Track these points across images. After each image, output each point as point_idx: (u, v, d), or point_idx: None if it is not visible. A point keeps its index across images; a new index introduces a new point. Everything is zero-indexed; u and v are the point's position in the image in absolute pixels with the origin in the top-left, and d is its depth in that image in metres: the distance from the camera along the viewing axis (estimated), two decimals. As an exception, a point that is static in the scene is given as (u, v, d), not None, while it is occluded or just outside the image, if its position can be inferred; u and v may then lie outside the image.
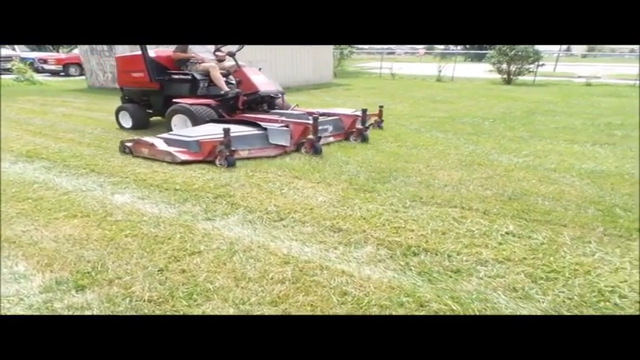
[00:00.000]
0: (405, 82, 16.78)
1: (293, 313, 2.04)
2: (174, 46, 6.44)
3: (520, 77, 16.55)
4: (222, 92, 5.96)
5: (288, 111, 6.20)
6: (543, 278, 2.31)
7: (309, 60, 15.55)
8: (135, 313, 2.04)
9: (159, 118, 6.71)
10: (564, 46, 38.32)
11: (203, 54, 6.32)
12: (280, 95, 6.52)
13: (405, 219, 3.08)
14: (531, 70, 16.61)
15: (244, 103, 6.17)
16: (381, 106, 6.74)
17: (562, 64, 26.22)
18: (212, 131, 4.77)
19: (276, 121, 5.33)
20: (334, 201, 3.46)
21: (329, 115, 6.03)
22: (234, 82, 6.39)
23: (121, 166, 4.53)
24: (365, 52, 31.87)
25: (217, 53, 6.54)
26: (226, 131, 4.28)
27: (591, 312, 2.02)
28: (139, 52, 6.15)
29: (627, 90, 13.54)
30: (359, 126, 5.72)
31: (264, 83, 6.21)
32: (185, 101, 5.65)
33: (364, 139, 5.69)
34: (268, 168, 4.39)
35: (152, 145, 4.68)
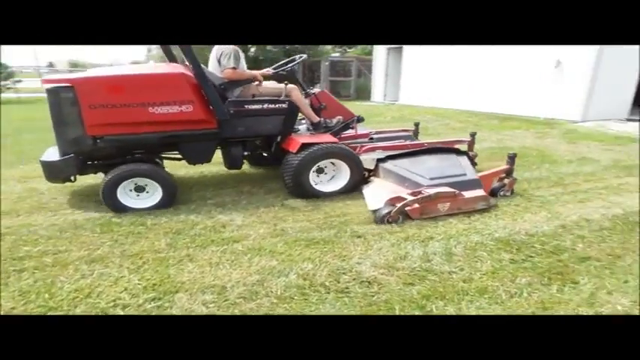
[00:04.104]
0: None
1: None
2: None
3: (4, 95, 14.90)
4: (315, 123, 4.39)
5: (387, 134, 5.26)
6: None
7: None
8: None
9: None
10: (47, 62, 37.61)
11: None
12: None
13: None
14: (9, 86, 15.30)
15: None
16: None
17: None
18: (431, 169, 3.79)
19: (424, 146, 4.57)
20: None
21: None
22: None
23: None
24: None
25: (271, 70, 4.41)
26: (512, 157, 3.85)
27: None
28: (165, 69, 3.70)
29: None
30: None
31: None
32: (327, 140, 3.97)
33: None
34: None
35: (459, 195, 3.43)
